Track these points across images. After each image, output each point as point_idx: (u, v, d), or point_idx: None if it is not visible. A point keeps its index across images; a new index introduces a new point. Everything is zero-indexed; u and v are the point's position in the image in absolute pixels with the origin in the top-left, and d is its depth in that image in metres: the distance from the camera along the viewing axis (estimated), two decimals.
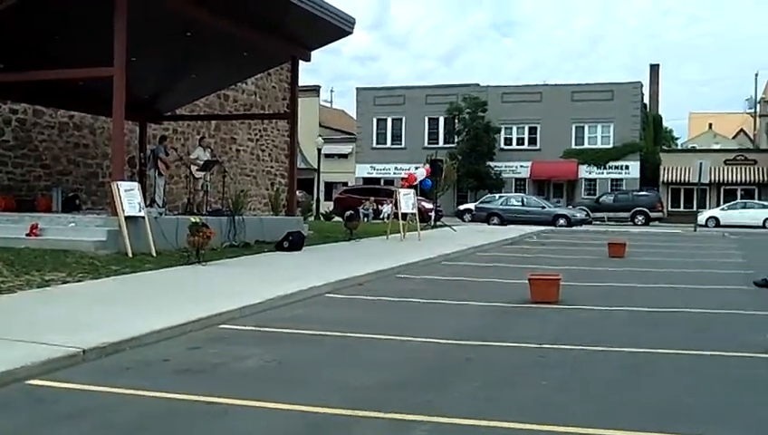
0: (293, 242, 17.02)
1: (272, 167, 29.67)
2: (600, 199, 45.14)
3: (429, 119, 53.96)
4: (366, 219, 34.35)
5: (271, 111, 28.81)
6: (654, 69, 60.34)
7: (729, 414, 5.59)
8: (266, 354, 7.30)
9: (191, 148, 23.12)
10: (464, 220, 39.74)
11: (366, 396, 5.87)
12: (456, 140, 51.56)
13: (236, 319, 8.98)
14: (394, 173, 52.15)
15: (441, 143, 52.41)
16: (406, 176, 28.23)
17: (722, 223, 40.28)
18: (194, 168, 20.24)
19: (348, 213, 22.86)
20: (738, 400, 5.96)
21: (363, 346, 7.87)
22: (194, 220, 14.15)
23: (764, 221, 39.26)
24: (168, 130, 23.54)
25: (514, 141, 52.65)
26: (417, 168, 37.37)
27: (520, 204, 39.52)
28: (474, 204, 42.52)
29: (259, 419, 5.35)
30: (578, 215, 38.75)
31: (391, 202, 24.40)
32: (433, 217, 31.09)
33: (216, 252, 15.19)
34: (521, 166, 51.84)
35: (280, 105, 28.92)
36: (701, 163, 37.76)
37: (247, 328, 8.60)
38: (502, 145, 52.06)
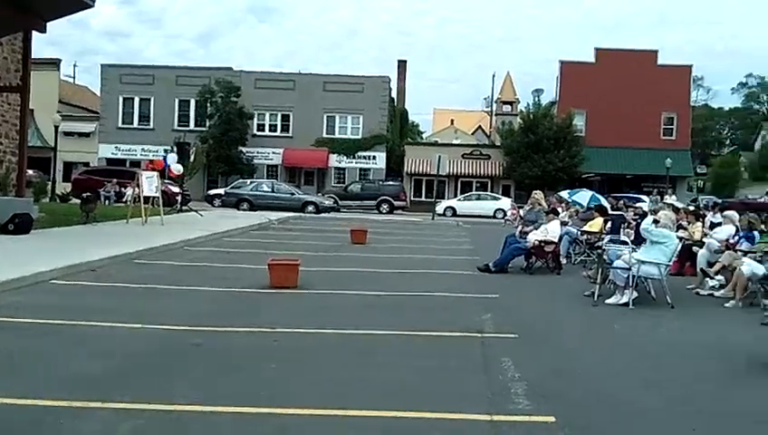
0: (20, 224, 15.79)
1: (1, 144, 27.18)
2: (348, 188, 46.44)
3: (180, 101, 52.28)
4: (107, 202, 32.72)
5: (1, 83, 26.35)
6: (402, 65, 62.96)
7: (446, 392, 5.98)
8: None
9: None
10: (214, 205, 39.11)
11: (86, 386, 5.61)
12: (207, 123, 50.47)
13: None
14: (141, 155, 50.09)
15: (192, 126, 51.07)
16: (153, 159, 27.05)
17: (458, 212, 43.14)
18: None
19: (84, 195, 21.59)
20: (455, 377, 6.40)
21: (87, 335, 7.47)
22: None
23: (495, 212, 42.46)
24: None
25: (267, 128, 52.54)
26: (165, 150, 36.21)
27: (270, 190, 39.64)
28: (224, 189, 42.00)
29: None
30: (326, 202, 39.65)
31: (134, 185, 23.33)
32: (180, 202, 30.24)
33: None
34: (273, 152, 51.87)
35: (12, 77, 26.44)
36: (440, 156, 40.43)
37: None
38: (255, 131, 51.69)
